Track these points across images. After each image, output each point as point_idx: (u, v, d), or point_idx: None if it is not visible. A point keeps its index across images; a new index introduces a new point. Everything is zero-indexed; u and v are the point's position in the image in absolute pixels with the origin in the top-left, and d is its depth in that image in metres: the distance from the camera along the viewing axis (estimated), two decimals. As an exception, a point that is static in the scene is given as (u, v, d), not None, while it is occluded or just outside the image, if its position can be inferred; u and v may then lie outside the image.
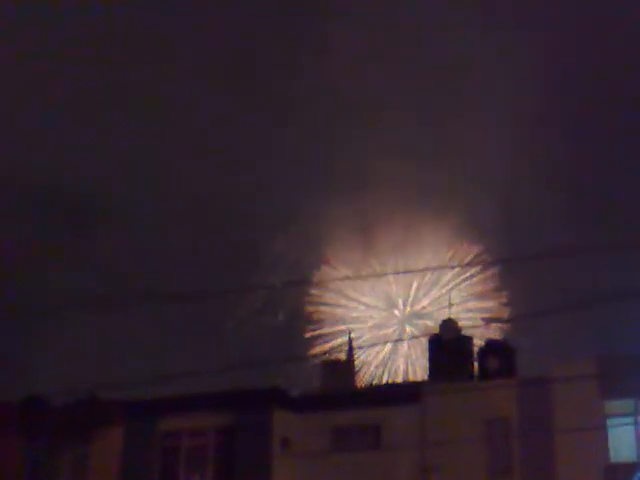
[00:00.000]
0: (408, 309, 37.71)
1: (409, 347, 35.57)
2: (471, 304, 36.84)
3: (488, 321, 34.46)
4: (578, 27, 48.12)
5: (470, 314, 36.78)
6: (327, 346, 33.61)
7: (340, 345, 26.52)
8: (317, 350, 35.01)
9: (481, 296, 36.92)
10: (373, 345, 35.81)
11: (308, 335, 36.49)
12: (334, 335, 35.83)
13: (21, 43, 49.24)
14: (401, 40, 50.76)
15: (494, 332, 32.76)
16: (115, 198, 50.64)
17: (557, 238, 37.83)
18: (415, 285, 37.75)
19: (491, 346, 26.40)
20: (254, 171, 50.31)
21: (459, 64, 49.08)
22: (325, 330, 36.09)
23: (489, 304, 36.61)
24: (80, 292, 44.12)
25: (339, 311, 36.51)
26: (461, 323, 26.91)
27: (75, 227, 50.09)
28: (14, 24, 48.97)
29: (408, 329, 37.10)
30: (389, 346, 35.21)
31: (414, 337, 34.59)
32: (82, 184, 49.93)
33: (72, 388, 25.82)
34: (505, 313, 36.27)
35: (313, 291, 37.23)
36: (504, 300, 36.30)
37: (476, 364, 26.44)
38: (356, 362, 27.73)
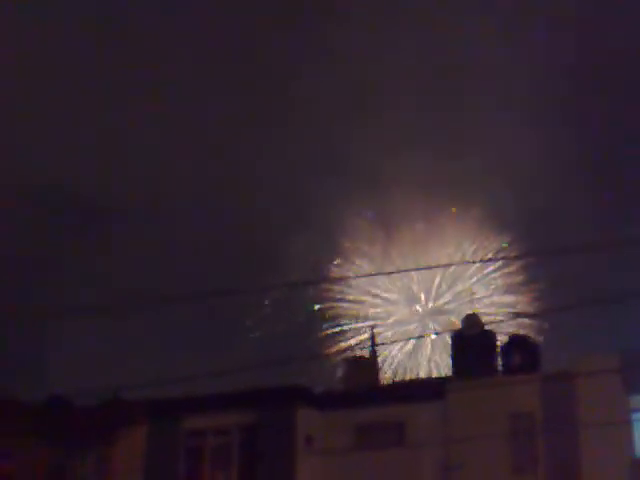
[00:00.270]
0: (430, 304, 37.73)
1: (432, 343, 35.54)
2: (495, 298, 36.82)
3: (511, 316, 34.43)
4: (583, 26, 48.34)
5: (494, 308, 36.82)
6: (349, 343, 33.55)
7: (362, 342, 26.50)
8: (339, 347, 34.95)
9: (505, 290, 36.91)
10: (395, 342, 35.71)
11: (329, 332, 36.42)
12: (356, 332, 35.81)
13: (21, 43, 48.99)
14: (400, 41, 50.77)
15: (519, 327, 32.77)
16: (115, 198, 50.41)
17: (576, 233, 38.09)
18: (437, 280, 37.75)
19: (514, 341, 26.38)
20: (258, 170, 50.21)
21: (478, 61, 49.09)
22: (347, 327, 36.05)
23: (513, 298, 36.62)
24: (83, 293, 43.84)
25: (360, 307, 36.46)
26: (485, 318, 26.86)
27: (76, 227, 49.81)
28: (13, 23, 48.66)
29: (431, 325, 37.11)
30: (412, 342, 35.15)
31: (437, 333, 34.55)
32: (82, 184, 49.67)
33: (94, 388, 25.64)
34: (530, 307, 36.31)
35: (333, 288, 37.14)
36: (530, 294, 36.38)
37: (500, 359, 26.44)
38: (379, 359, 27.73)
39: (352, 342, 32.76)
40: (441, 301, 37.02)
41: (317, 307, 35.90)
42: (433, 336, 33.66)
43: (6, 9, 47.45)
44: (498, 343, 26.70)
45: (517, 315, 34.88)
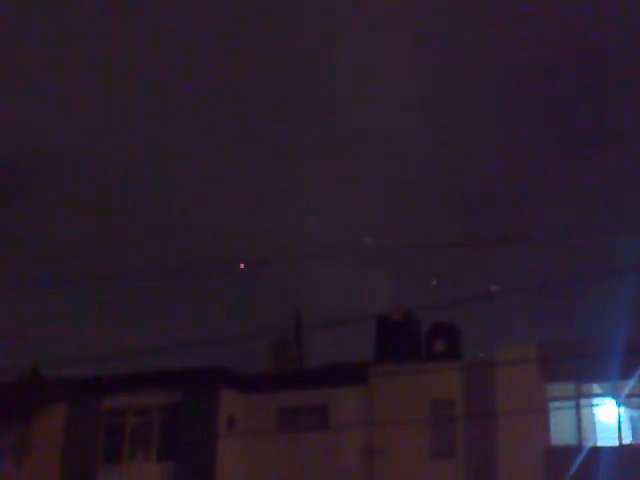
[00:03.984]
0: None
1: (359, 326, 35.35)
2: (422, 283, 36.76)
3: (435, 305, 34.50)
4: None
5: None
6: (276, 325, 33.40)
7: (288, 324, 26.60)
8: (267, 328, 34.67)
9: (433, 276, 36.96)
10: (322, 324, 35.46)
11: (258, 313, 36.22)
12: (283, 313, 35.58)
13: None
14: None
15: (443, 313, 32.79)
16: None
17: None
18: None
19: (438, 328, 26.57)
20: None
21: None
22: (273, 308, 35.94)
23: (440, 284, 36.70)
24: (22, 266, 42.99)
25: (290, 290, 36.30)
26: (410, 303, 26.97)
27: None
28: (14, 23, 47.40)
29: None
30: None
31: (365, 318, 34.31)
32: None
33: (15, 365, 25.37)
34: (454, 294, 36.23)
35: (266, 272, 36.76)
36: (455, 281, 36.49)
37: (423, 345, 26.62)
38: (304, 341, 27.78)
39: (279, 323, 32.74)
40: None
41: (252, 289, 35.85)
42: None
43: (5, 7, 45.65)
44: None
45: (440, 304, 34.86)
